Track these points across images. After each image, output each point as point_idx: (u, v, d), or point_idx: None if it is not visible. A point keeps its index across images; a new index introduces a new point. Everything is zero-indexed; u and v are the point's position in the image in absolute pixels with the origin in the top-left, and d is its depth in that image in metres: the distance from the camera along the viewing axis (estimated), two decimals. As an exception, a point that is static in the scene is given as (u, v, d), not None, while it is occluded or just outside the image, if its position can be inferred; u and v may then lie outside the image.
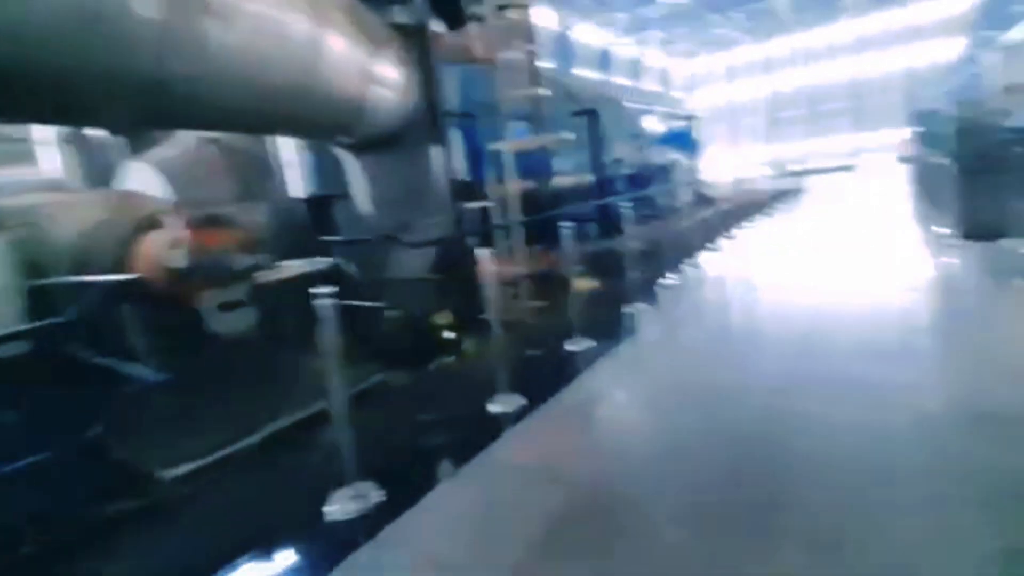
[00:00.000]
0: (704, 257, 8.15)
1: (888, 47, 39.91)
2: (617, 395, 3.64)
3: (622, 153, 12.18)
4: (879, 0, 36.67)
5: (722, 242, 9.12)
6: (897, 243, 7.92)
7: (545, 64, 26.97)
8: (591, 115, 9.61)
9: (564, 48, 32.46)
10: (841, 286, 5.74)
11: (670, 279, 6.74)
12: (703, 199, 16.76)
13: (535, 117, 7.71)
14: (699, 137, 19.77)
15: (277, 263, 4.73)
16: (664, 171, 14.32)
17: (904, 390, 3.04)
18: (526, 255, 6.64)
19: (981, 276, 5.52)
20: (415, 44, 6.41)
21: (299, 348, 3.50)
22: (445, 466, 2.81)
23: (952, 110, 11.09)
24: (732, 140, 47.26)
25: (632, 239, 6.49)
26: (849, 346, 3.87)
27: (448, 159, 6.74)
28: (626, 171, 12.13)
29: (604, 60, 37.20)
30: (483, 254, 3.16)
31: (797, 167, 29.72)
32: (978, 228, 6.63)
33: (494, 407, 3.30)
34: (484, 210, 6.71)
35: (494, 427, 3.13)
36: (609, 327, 4.93)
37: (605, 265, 7.24)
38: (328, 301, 2.25)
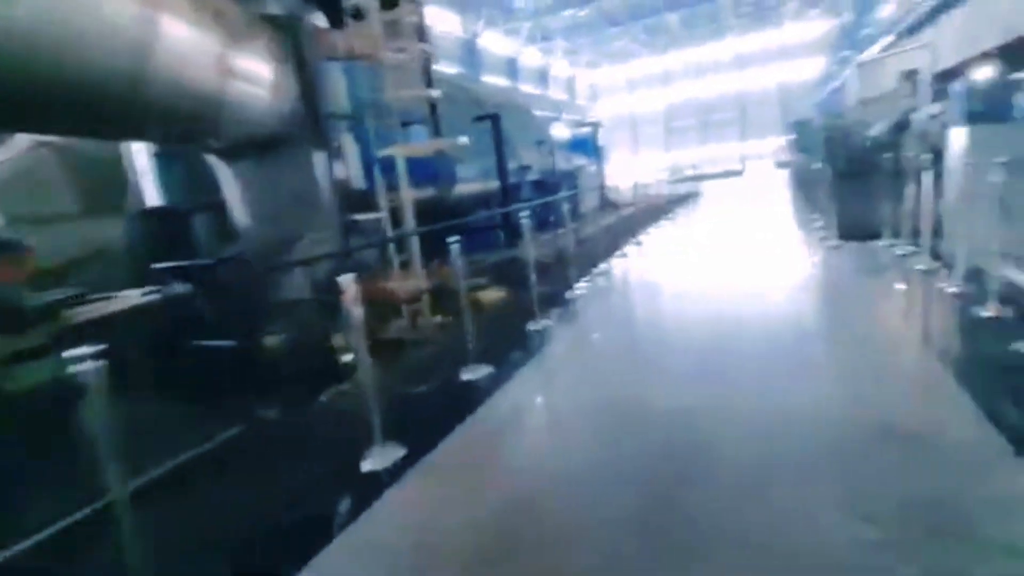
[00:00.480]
0: (613, 263, 8.10)
1: (766, 63, 44.32)
2: (513, 436, 3.19)
3: (529, 159, 12.03)
4: (757, 20, 40.40)
5: (629, 248, 9.18)
6: (784, 245, 8.41)
7: (451, 69, 26.61)
8: (493, 120, 9.30)
9: (472, 55, 32.32)
10: (739, 288, 5.99)
11: (579, 288, 6.54)
12: (609, 204, 17.19)
13: (431, 120, 7.25)
14: (603, 144, 20.34)
15: (106, 295, 3.86)
16: (571, 177, 14.42)
17: (790, 391, 3.18)
18: (426, 268, 6.14)
19: (860, 275, 5.88)
20: (288, 38, 5.72)
21: (125, 403, 2.74)
22: (290, 559, 2.13)
23: (820, 121, 12.07)
24: (633, 147, 49.86)
25: (540, 246, 6.22)
26: (748, 352, 3.95)
27: (333, 165, 6.08)
28: (533, 177, 12.00)
29: (512, 68, 37.55)
30: (346, 280, 2.61)
31: (692, 172, 31.87)
32: (853, 229, 7.13)
33: (367, 463, 2.74)
34: (381, 221, 6.12)
35: (365, 490, 2.55)
36: (513, 347, 4.56)
37: (512, 275, 6.91)
38: (93, 366, 1.62)
